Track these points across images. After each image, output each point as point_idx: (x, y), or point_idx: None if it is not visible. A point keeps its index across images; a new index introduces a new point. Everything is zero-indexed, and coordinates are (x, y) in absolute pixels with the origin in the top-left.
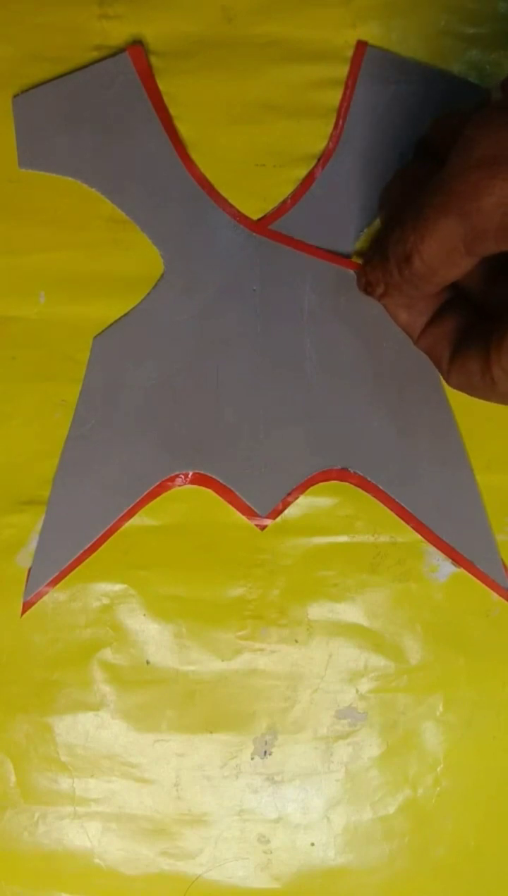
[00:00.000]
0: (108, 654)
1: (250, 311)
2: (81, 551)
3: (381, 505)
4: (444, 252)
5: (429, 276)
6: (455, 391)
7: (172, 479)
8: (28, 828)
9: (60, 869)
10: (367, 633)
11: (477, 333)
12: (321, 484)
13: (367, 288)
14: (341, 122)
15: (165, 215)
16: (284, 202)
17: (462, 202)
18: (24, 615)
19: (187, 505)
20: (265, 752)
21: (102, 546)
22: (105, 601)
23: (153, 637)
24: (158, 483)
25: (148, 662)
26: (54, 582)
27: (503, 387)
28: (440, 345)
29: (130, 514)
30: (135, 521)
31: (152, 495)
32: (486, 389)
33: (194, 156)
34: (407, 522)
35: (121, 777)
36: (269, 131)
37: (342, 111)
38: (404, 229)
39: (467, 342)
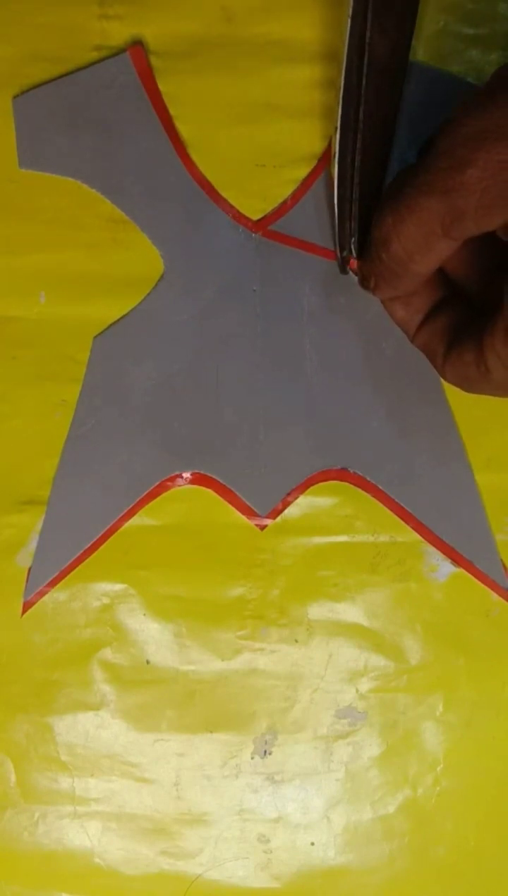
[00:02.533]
0: (108, 653)
1: (250, 311)
2: (81, 551)
3: (381, 505)
4: (421, 234)
5: (407, 262)
6: (454, 391)
7: (172, 479)
8: (28, 828)
9: (60, 869)
10: (367, 633)
11: (472, 328)
12: (320, 484)
13: (362, 282)
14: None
15: (165, 215)
16: (284, 202)
17: (444, 178)
18: (24, 615)
19: (187, 505)
20: (265, 752)
21: (102, 546)
22: (105, 601)
23: (153, 637)
24: (158, 483)
25: (148, 662)
26: (54, 582)
27: (497, 375)
28: (435, 340)
29: (130, 514)
30: (135, 521)
31: (152, 495)
32: (481, 380)
33: (194, 156)
34: (407, 522)
35: (121, 777)
36: (269, 131)
37: None
38: (383, 213)
39: (462, 336)
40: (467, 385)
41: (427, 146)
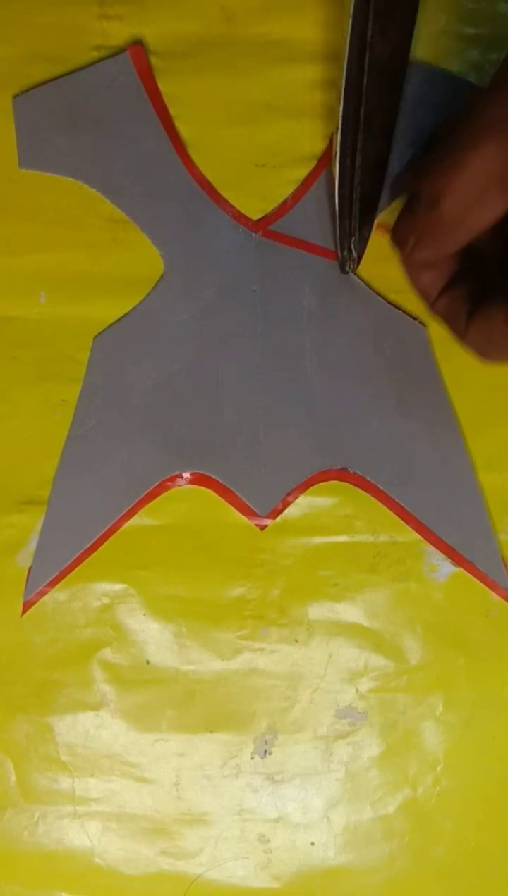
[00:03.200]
0: (108, 653)
1: (250, 311)
2: (81, 551)
3: (381, 505)
4: (476, 189)
5: (457, 223)
6: (456, 391)
7: (172, 479)
8: (28, 828)
9: (60, 869)
10: (367, 633)
11: (499, 289)
12: (320, 484)
13: (399, 243)
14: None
15: (165, 215)
16: (284, 202)
17: (504, 126)
18: (24, 615)
19: (187, 505)
20: (265, 752)
21: (102, 546)
22: (105, 601)
23: (153, 637)
24: (158, 483)
25: (148, 662)
26: (54, 582)
27: None
28: (458, 304)
29: (130, 514)
30: (135, 521)
31: (152, 495)
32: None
33: (194, 156)
34: (407, 522)
35: (121, 777)
36: (269, 131)
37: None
38: (432, 168)
39: (487, 298)
40: (490, 347)
41: (436, 137)
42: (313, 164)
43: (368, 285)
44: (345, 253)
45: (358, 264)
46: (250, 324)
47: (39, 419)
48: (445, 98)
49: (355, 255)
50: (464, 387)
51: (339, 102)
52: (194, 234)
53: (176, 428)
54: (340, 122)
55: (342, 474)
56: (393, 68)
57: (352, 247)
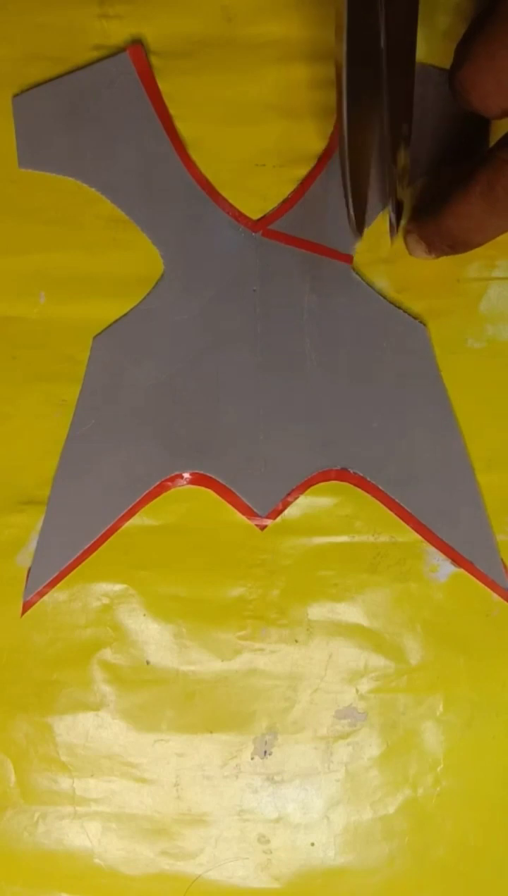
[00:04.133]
0: (108, 654)
1: (250, 311)
2: (81, 551)
3: (381, 505)
4: None
5: None
6: (455, 391)
7: (172, 479)
8: (28, 828)
9: (60, 869)
10: (367, 633)
11: None
12: (321, 484)
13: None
14: None
15: (165, 215)
16: (284, 202)
17: None
18: (24, 615)
19: (187, 505)
20: (265, 752)
21: (102, 546)
22: (105, 601)
23: (153, 637)
24: (158, 483)
25: (148, 662)
26: (54, 582)
27: None
28: None
29: (130, 514)
30: (135, 521)
31: (152, 495)
32: None
33: (194, 156)
34: (407, 522)
35: (121, 777)
36: (269, 131)
37: None
38: None
39: None
40: None
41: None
42: (313, 163)
43: (368, 285)
44: (356, 214)
45: (397, 231)
46: (250, 324)
47: (39, 419)
48: (445, 98)
49: (393, 220)
50: (464, 387)
51: (341, 84)
52: (194, 234)
53: (176, 428)
54: (344, 101)
55: (342, 474)
56: (405, 54)
57: (393, 211)
